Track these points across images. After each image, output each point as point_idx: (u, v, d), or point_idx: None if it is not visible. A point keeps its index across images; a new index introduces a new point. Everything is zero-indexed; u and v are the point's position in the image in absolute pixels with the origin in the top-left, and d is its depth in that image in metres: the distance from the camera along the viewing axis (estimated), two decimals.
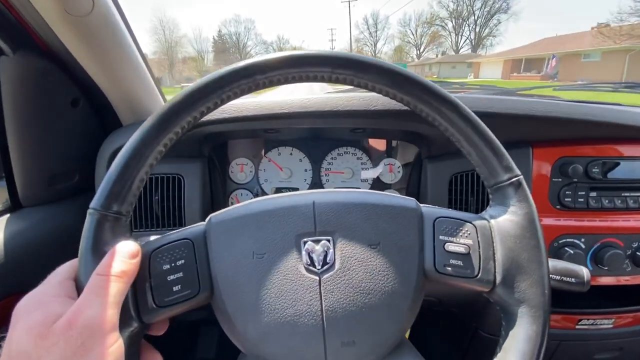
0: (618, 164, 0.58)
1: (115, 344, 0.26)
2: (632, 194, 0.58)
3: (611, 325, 0.64)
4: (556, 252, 0.58)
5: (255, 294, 0.32)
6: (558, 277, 0.42)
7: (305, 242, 0.33)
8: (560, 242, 0.58)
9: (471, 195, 0.60)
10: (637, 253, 0.58)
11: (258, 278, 0.33)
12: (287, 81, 0.33)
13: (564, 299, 0.64)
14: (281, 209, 0.35)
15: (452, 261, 0.34)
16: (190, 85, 0.32)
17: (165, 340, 0.37)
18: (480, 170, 0.35)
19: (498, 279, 0.33)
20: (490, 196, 0.36)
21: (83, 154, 0.63)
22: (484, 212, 0.36)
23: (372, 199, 0.36)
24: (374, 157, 0.73)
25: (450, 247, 0.34)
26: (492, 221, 0.34)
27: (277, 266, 0.33)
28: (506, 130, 0.58)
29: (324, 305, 0.32)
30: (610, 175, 0.58)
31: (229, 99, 0.33)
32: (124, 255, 0.28)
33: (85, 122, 0.63)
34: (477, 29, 47.06)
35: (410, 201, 0.37)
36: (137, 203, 0.56)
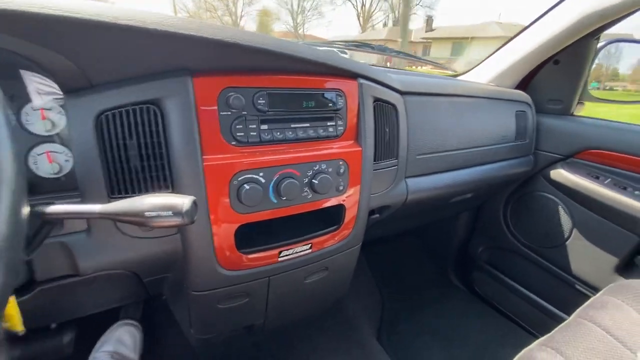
0: (284, 95, 0.58)
1: None
2: (300, 125, 0.61)
3: (310, 250, 0.69)
4: (237, 190, 0.56)
5: None
6: (154, 214, 0.36)
7: None
8: (239, 179, 0.56)
9: (132, 138, 0.49)
10: (313, 181, 0.63)
11: None
12: None
13: (265, 236, 0.65)
14: None
15: None
16: None
17: None
18: None
19: None
20: None
21: None
22: None
23: None
24: (17, 99, 0.52)
25: None
26: None
27: None
28: (157, 54, 0.49)
29: None
30: (277, 107, 0.58)
31: None
32: None
33: None
34: None
35: None
36: None
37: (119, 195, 0.50)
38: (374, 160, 0.73)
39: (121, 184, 0.50)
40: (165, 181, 0.52)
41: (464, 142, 0.94)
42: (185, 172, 0.52)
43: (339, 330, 1.13)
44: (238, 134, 0.55)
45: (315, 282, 0.77)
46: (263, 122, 0.57)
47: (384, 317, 1.29)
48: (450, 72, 1.43)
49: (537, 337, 1.21)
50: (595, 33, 1.01)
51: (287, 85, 0.58)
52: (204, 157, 0.53)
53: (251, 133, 0.56)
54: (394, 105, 0.76)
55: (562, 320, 1.13)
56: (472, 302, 1.41)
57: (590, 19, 0.94)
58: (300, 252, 0.68)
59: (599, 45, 1.08)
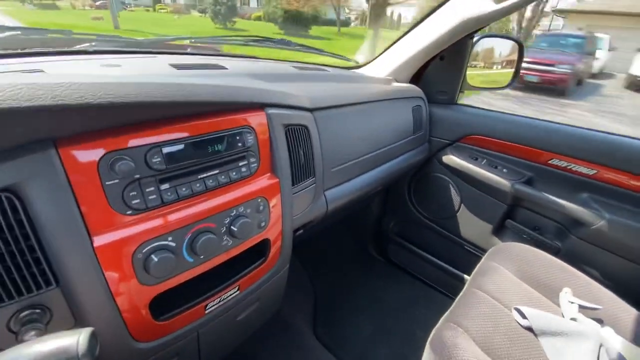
0: (182, 145, 0.51)
1: None
2: (208, 174, 0.55)
3: (238, 292, 0.67)
4: (144, 263, 0.49)
5: None
6: None
7: None
8: (144, 251, 0.48)
9: None
10: (232, 227, 0.58)
11: None
12: None
13: (187, 288, 0.59)
14: None
15: None
16: None
17: None
18: None
19: None
20: None
21: None
22: None
23: None
24: None
25: None
26: None
27: None
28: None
29: None
30: (177, 161, 0.50)
31: None
32: None
33: None
34: None
35: None
36: None
37: None
38: (292, 185, 0.72)
39: None
40: (45, 277, 0.42)
41: (373, 146, 0.99)
42: (69, 261, 0.42)
43: (277, 334, 1.16)
44: (133, 201, 0.47)
45: (248, 316, 0.75)
46: (163, 181, 0.49)
47: (317, 308, 1.36)
48: (351, 63, 1.46)
49: (443, 294, 1.45)
50: (472, 34, 1.14)
51: (185, 134, 0.51)
52: (93, 237, 0.44)
53: (150, 197, 0.48)
54: (305, 126, 0.74)
55: (458, 277, 1.38)
56: (390, 273, 1.60)
57: (469, 24, 1.06)
58: (228, 297, 0.65)
59: (474, 40, 1.23)
